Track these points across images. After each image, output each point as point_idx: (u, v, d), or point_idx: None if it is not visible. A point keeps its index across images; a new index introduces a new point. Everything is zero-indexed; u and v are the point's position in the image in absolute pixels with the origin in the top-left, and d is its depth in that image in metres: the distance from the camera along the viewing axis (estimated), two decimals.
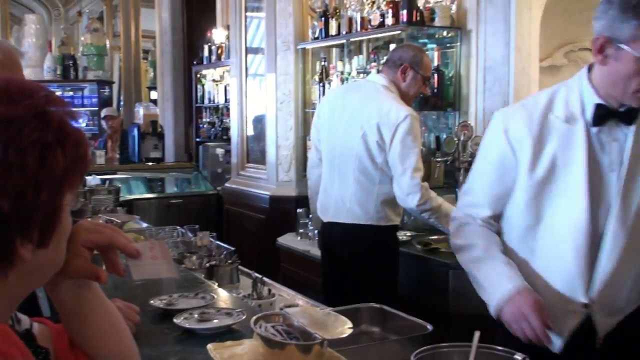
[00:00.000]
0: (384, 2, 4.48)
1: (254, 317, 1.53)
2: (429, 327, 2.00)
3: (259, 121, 6.12)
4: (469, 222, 2.08)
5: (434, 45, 4.55)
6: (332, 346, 1.58)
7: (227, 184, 6.58)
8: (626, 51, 1.75)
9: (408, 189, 3.10)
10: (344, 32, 4.89)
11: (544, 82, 4.40)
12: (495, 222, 2.06)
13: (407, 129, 3.10)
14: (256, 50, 6.17)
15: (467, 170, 3.90)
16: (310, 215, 4.11)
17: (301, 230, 4.43)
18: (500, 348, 1.60)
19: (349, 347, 1.69)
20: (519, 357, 1.53)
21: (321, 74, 5.26)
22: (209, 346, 1.61)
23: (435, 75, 4.31)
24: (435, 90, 4.33)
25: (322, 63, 5.30)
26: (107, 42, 11.12)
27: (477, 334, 1.55)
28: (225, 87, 7.69)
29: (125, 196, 6.11)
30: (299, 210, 4.53)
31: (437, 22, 4.32)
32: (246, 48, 6.27)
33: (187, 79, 8.83)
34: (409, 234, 3.83)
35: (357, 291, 3.16)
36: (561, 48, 4.81)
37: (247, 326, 1.66)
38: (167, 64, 8.95)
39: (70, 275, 1.09)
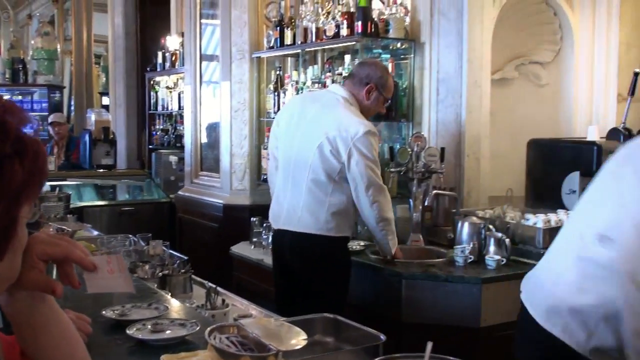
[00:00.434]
0: (339, 13, 4.51)
1: (209, 329, 1.53)
2: (382, 337, 2.02)
3: (213, 129, 6.09)
4: None
5: (388, 56, 4.60)
6: (286, 357, 1.58)
7: (180, 192, 6.53)
8: None
9: (369, 204, 3.14)
10: (299, 42, 4.91)
11: (495, 94, 4.49)
12: None
13: (366, 143, 3.13)
14: (211, 58, 6.15)
15: (420, 180, 3.95)
16: (256, 230, 4.13)
17: (255, 239, 4.42)
18: (451, 358, 1.62)
19: (304, 357, 1.70)
20: None
21: (276, 83, 5.27)
22: (163, 357, 1.60)
23: None
24: (389, 102, 4.37)
25: (277, 72, 5.31)
26: (58, 46, 10.96)
27: (429, 345, 1.57)
28: (179, 94, 7.64)
29: (75, 203, 6.01)
30: (252, 219, 4.52)
31: (392, 33, 4.36)
32: (201, 55, 6.24)
33: (140, 86, 8.75)
34: (362, 243, 3.86)
35: (307, 300, 3.18)
36: (512, 61, 4.90)
37: (201, 337, 1.66)
38: (119, 69, 8.85)
39: (25, 287, 1.08)
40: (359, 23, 4.26)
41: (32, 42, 11.25)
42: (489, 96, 4.38)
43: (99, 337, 1.88)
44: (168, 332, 1.91)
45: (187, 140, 6.49)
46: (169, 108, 8.07)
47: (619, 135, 4.02)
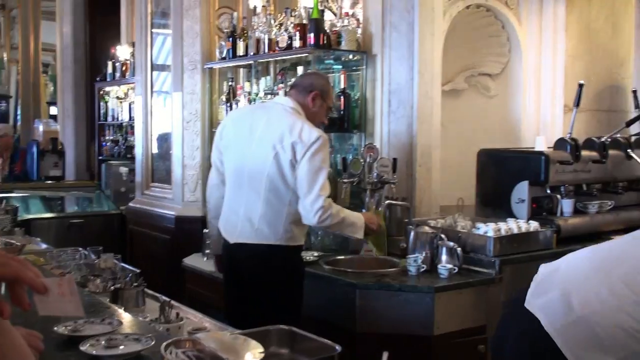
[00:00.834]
0: (292, 25, 4.53)
1: (164, 343, 1.52)
2: (338, 347, 2.03)
3: (164, 140, 6.04)
4: None
5: (340, 68, 4.64)
6: None
7: (131, 204, 6.45)
8: None
9: (312, 208, 3.14)
10: (252, 53, 4.91)
11: (446, 105, 4.57)
12: None
13: (318, 149, 3.14)
14: (162, 68, 6.10)
15: (373, 191, 3.99)
16: (208, 242, 4.05)
17: (207, 251, 4.38)
18: None
19: None
20: None
21: (228, 94, 5.26)
22: None
23: (342, 97, 4.40)
24: (342, 112, 4.41)
25: (230, 83, 5.30)
26: (5, 55, 10.73)
27: (385, 355, 1.58)
28: (130, 105, 7.55)
29: (23, 216, 5.90)
30: (205, 230, 4.49)
31: (344, 45, 4.40)
32: (152, 65, 6.19)
33: (89, 96, 8.61)
34: (316, 254, 3.86)
35: (261, 311, 3.15)
36: (462, 73, 5.00)
37: (157, 352, 1.64)
38: (68, 79, 8.69)
39: None
40: (312, 35, 4.29)
41: None
42: (440, 107, 4.44)
43: (52, 354, 1.85)
44: (122, 347, 1.88)
45: (138, 151, 6.42)
46: (119, 118, 7.97)
47: (566, 145, 4.12)
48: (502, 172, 4.18)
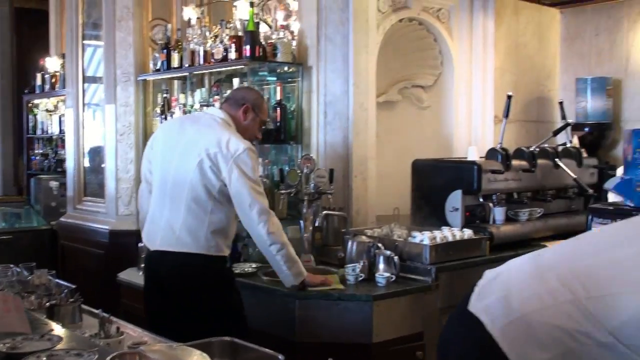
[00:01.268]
0: (227, 37, 4.53)
1: (109, 357, 1.50)
2: (281, 357, 2.05)
3: (97, 153, 5.94)
4: None
5: (276, 79, 4.66)
6: None
7: (62, 219, 6.30)
8: None
9: (258, 219, 3.14)
10: (187, 65, 4.88)
11: (380, 116, 4.64)
12: None
13: (246, 160, 3.14)
14: (93, 80, 6.00)
15: (310, 201, 4.02)
16: (144, 255, 3.99)
17: (142, 265, 4.32)
18: None
19: None
20: None
21: (163, 106, 5.21)
22: None
23: (278, 109, 4.42)
24: (278, 124, 4.43)
25: (164, 95, 5.25)
26: None
27: None
28: (60, 117, 7.39)
29: None
30: (140, 244, 4.42)
31: (280, 57, 4.42)
32: (83, 77, 6.09)
33: (17, 108, 8.41)
34: (254, 265, 3.86)
35: (186, 321, 3.11)
36: (396, 85, 5.09)
37: None
38: None
39: None
40: (247, 47, 4.31)
41: None
42: (375, 118, 4.52)
43: None
44: None
45: (69, 165, 6.28)
46: (49, 131, 7.79)
47: (497, 154, 4.25)
48: (436, 181, 4.27)
